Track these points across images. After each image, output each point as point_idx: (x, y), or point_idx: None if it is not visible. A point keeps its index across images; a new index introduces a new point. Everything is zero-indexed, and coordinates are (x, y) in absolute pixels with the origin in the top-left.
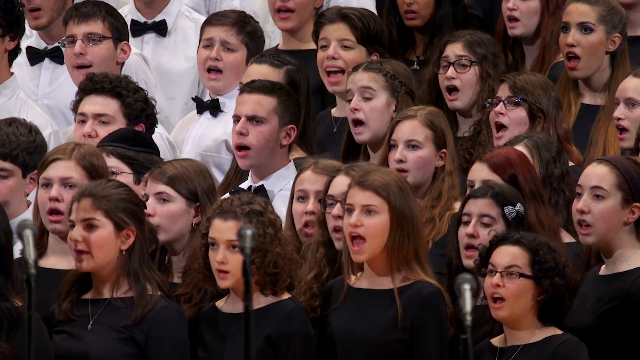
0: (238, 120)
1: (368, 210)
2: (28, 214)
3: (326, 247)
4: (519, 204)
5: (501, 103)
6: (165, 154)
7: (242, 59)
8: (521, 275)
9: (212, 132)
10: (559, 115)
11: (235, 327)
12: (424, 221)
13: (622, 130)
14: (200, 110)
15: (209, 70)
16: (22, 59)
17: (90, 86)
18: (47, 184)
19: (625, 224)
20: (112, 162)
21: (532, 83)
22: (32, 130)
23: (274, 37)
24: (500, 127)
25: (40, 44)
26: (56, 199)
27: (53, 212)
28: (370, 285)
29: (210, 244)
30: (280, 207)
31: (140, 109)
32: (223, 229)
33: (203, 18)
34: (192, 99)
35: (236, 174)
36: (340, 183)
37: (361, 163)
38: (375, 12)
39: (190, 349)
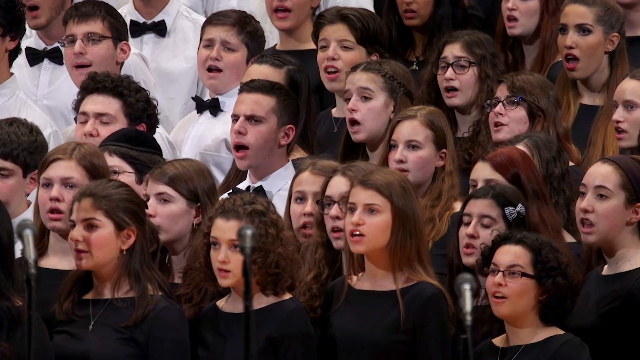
0: (236, 120)
1: (370, 209)
2: (28, 214)
3: (325, 248)
4: (519, 205)
5: (500, 104)
6: (165, 154)
7: (242, 59)
8: (523, 274)
9: (212, 132)
10: (558, 114)
11: (236, 327)
12: (424, 221)
13: (621, 132)
14: (200, 110)
15: (209, 69)
16: (21, 59)
17: (92, 85)
18: (48, 184)
19: (629, 224)
20: (114, 162)
21: (531, 82)
22: (33, 130)
23: (271, 37)
24: (500, 126)
25: (40, 45)
26: (57, 199)
27: (53, 211)
28: (372, 286)
29: (212, 244)
30: (279, 207)
31: (141, 109)
32: (225, 229)
33: (202, 18)
34: (192, 98)
35: (237, 174)
36: (338, 183)
37: (358, 163)
38: (373, 11)
39: (190, 349)
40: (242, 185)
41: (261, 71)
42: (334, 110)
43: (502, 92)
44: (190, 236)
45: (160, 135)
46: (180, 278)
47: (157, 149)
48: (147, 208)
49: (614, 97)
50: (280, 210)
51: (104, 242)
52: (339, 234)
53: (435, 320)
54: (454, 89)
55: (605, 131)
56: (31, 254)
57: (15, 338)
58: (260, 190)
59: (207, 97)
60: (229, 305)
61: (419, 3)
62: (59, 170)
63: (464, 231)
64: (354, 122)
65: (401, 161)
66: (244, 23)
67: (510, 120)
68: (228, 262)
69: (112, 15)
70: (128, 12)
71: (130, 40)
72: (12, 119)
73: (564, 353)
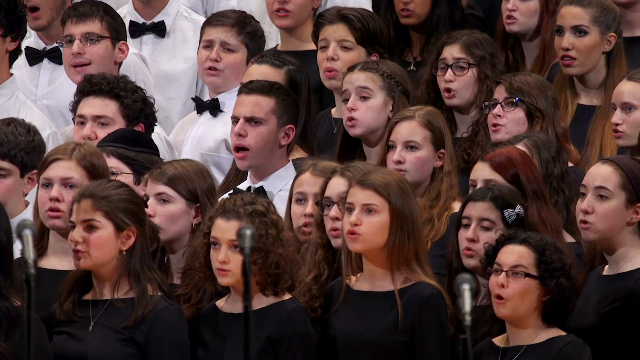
0: (236, 121)
1: (368, 209)
2: (26, 214)
3: (325, 249)
4: (518, 206)
5: (498, 105)
6: (163, 154)
7: (242, 60)
8: (527, 275)
9: (212, 132)
10: (556, 114)
11: (236, 327)
12: (422, 221)
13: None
14: (200, 110)
15: (209, 70)
16: (21, 59)
17: (88, 88)
18: (48, 184)
19: (629, 224)
20: (112, 163)
21: (529, 83)
22: (30, 130)
23: (271, 37)
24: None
25: (39, 45)
26: (56, 199)
27: (52, 209)
28: (370, 287)
29: (212, 244)
30: (279, 207)
31: (139, 109)
32: (225, 229)
33: (202, 19)
34: (192, 98)
35: (237, 174)
36: (337, 184)
37: (357, 163)
38: (372, 11)
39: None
40: (243, 186)
41: (261, 71)
42: (333, 111)
43: (500, 93)
44: (189, 236)
45: (158, 135)
46: (179, 278)
47: (154, 149)
48: (147, 207)
49: (612, 99)
50: (281, 210)
51: (104, 243)
52: (338, 233)
53: (433, 321)
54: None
55: (603, 131)
56: (30, 254)
57: (13, 338)
58: (260, 191)
59: (206, 97)
60: (228, 305)
61: (415, 2)
62: (58, 170)
63: (463, 234)
64: (352, 120)
65: (399, 162)
66: (243, 23)
67: (509, 122)
68: (228, 262)
69: (110, 15)
70: (128, 12)
71: (130, 41)
72: (9, 119)
73: (566, 354)
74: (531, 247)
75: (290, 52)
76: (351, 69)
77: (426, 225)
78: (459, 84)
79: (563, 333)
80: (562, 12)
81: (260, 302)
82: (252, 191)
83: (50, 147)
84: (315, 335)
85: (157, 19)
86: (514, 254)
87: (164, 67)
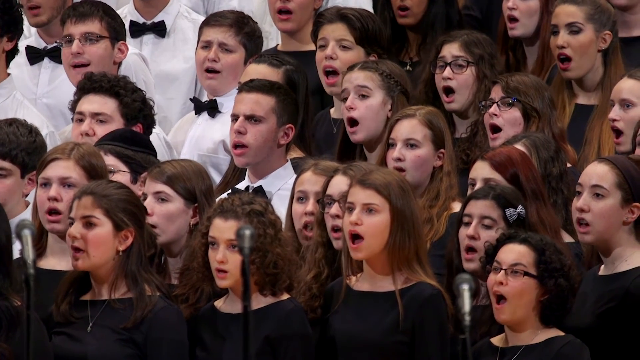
0: (236, 119)
1: (369, 209)
2: (26, 215)
3: (325, 248)
4: (520, 206)
5: (495, 104)
6: (162, 154)
7: (240, 60)
8: (526, 273)
9: (210, 133)
10: (553, 114)
11: (234, 327)
12: (422, 221)
13: (618, 133)
14: (198, 111)
15: (207, 71)
16: (21, 58)
17: (88, 85)
18: (46, 184)
19: (625, 224)
20: (109, 160)
21: (525, 83)
22: (32, 131)
23: (271, 37)
24: (495, 128)
25: (40, 44)
26: (55, 199)
27: (52, 211)
28: (371, 287)
29: (210, 244)
30: (278, 207)
31: (138, 109)
32: (223, 229)
33: (202, 18)
34: (190, 99)
35: (234, 174)
36: (338, 183)
37: (359, 163)
38: (372, 11)
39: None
40: (241, 185)
41: (259, 71)
42: (332, 111)
43: (496, 93)
44: (187, 237)
45: (157, 135)
46: (177, 279)
47: (152, 150)
48: (147, 212)
49: (610, 96)
50: (279, 210)
51: (101, 241)
52: (339, 234)
53: (434, 321)
54: (451, 90)
55: (601, 130)
56: (30, 254)
57: (14, 338)
58: (259, 190)
59: (205, 98)
60: (227, 305)
61: (412, 0)
62: (57, 170)
63: (464, 232)
64: (353, 122)
65: (399, 159)
66: (241, 24)
67: (505, 122)
68: (226, 262)
69: (109, 15)
70: (128, 12)
71: (130, 41)
72: (11, 120)
73: (565, 354)
74: (531, 246)
75: (290, 52)
76: (351, 68)
77: (425, 226)
78: (457, 82)
79: (562, 333)
80: (557, 10)
81: (258, 302)
82: (250, 190)
83: (47, 147)
84: (315, 335)
85: (157, 19)
86: (514, 253)
87: (164, 67)
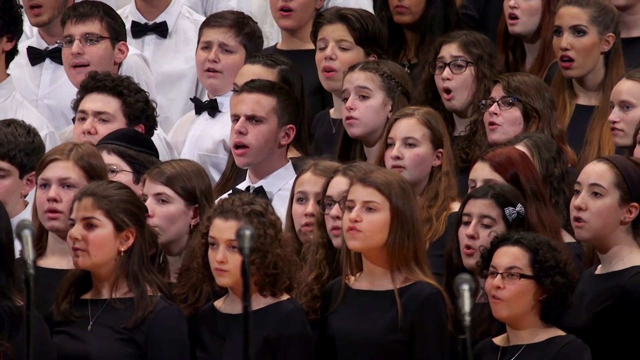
0: (237, 120)
1: (369, 207)
2: (25, 215)
3: (326, 249)
4: (519, 205)
5: (495, 103)
6: (162, 155)
7: (240, 61)
8: (522, 276)
9: (210, 133)
10: (553, 115)
11: (234, 327)
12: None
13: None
14: (198, 111)
15: (208, 71)
16: (23, 59)
17: (91, 84)
18: (46, 185)
19: (622, 223)
20: (112, 160)
21: (526, 83)
22: (30, 132)
23: (271, 37)
24: (493, 125)
25: (41, 45)
26: (54, 199)
27: (51, 211)
28: (370, 286)
29: (210, 244)
30: (279, 207)
31: (140, 109)
32: (223, 229)
33: (204, 19)
34: (191, 99)
35: (232, 173)
36: (339, 183)
37: (359, 163)
38: (372, 12)
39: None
40: (242, 186)
41: (253, 71)
42: (332, 112)
43: (497, 92)
44: (188, 238)
45: (158, 136)
46: (176, 278)
47: (154, 151)
48: (148, 211)
49: (610, 97)
50: (280, 210)
51: (102, 242)
52: (339, 232)
53: (433, 320)
54: (451, 91)
55: (601, 131)
56: (30, 254)
57: (17, 338)
58: (260, 191)
59: (205, 98)
60: (226, 306)
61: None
62: (56, 170)
63: (463, 231)
64: (351, 119)
65: (398, 157)
66: (241, 24)
67: (505, 121)
68: (226, 262)
69: (110, 16)
70: (130, 12)
71: (132, 41)
72: (9, 120)
73: (566, 354)
74: (524, 247)
75: (291, 51)
76: (351, 68)
77: (424, 225)
78: (456, 82)
79: (562, 333)
80: (561, 12)
81: (258, 302)
82: (251, 191)
83: (47, 147)
84: (316, 336)
85: (159, 19)
86: (508, 256)
87: (165, 67)
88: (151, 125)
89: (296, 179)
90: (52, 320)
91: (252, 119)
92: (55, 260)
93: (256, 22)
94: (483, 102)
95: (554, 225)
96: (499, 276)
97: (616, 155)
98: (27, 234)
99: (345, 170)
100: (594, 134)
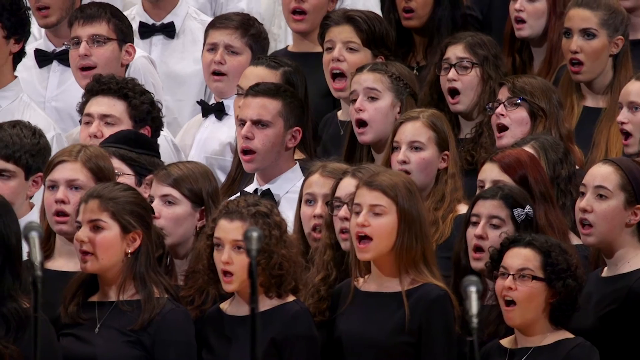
0: (243, 124)
1: (375, 211)
2: (31, 216)
3: (333, 250)
4: (528, 206)
5: (502, 105)
6: (170, 156)
7: (246, 62)
8: (534, 277)
9: (217, 135)
10: (560, 115)
11: (241, 329)
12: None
13: (627, 135)
14: (205, 114)
15: (214, 73)
16: (30, 61)
17: (96, 87)
18: (53, 186)
19: (628, 226)
20: (114, 163)
21: (532, 84)
22: (35, 133)
23: (279, 39)
24: (502, 128)
25: (49, 47)
26: (62, 201)
27: (59, 214)
28: (377, 288)
29: (216, 245)
30: (286, 210)
31: (146, 111)
32: (229, 229)
33: (211, 20)
34: (197, 102)
35: (237, 174)
36: (347, 185)
37: (368, 165)
38: (380, 14)
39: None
40: (250, 189)
41: (257, 73)
42: (339, 113)
43: (503, 94)
44: (194, 240)
45: (165, 138)
46: (183, 280)
47: (156, 152)
48: (154, 213)
49: (619, 98)
50: (287, 213)
51: (109, 244)
52: (348, 235)
53: (440, 322)
54: (457, 91)
55: (609, 133)
56: (37, 256)
57: (23, 340)
58: (267, 194)
59: (212, 100)
60: (232, 307)
61: (417, 2)
62: (64, 172)
63: (472, 232)
64: (361, 123)
65: (404, 162)
66: (247, 26)
67: (512, 122)
68: (231, 263)
69: (117, 17)
70: (137, 13)
71: (140, 42)
72: (15, 122)
73: (575, 356)
74: (537, 249)
75: (302, 53)
76: (360, 69)
77: (431, 228)
78: (462, 83)
79: (571, 335)
80: (571, 14)
81: (264, 304)
82: (259, 194)
83: (54, 149)
84: (323, 337)
85: (166, 20)
86: (519, 257)
87: (173, 68)
88: (157, 126)
89: (304, 180)
90: (59, 323)
91: (258, 123)
92: (63, 263)
93: (262, 24)
94: (489, 105)
95: (562, 227)
96: (510, 277)
97: (622, 157)
98: (34, 235)
99: (354, 171)
100: (601, 136)
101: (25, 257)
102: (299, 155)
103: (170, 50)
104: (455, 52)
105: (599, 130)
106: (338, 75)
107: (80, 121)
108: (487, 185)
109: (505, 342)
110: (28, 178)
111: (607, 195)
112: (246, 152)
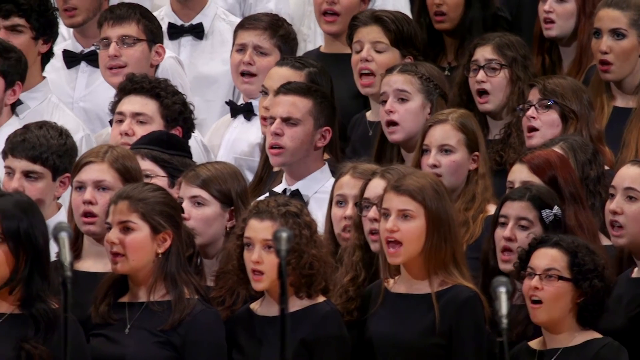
0: (272, 121)
1: (404, 215)
2: (59, 217)
3: (362, 251)
4: (556, 207)
5: (532, 107)
6: (199, 157)
7: (275, 63)
8: (560, 277)
9: (246, 136)
10: (591, 116)
11: (271, 330)
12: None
13: None
14: (234, 114)
15: (242, 74)
16: (58, 62)
17: (129, 86)
18: (81, 187)
19: None
20: (146, 165)
21: (563, 86)
22: (62, 134)
23: (309, 40)
24: (533, 130)
25: (77, 48)
26: (90, 202)
27: (87, 214)
28: (407, 289)
29: (246, 245)
30: (315, 210)
31: (178, 111)
32: (259, 229)
33: (239, 20)
34: (226, 102)
35: (264, 173)
36: (376, 186)
37: (397, 166)
38: (410, 15)
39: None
40: (279, 189)
41: (281, 73)
42: (368, 114)
43: (534, 95)
44: (224, 240)
45: (195, 138)
46: (213, 281)
47: (187, 152)
48: (184, 212)
49: None
50: (316, 213)
51: (140, 245)
52: (377, 237)
53: (470, 324)
54: (485, 92)
55: (639, 133)
56: (67, 256)
57: (52, 340)
58: (296, 194)
59: (240, 101)
60: (263, 308)
61: (449, 5)
62: (91, 173)
63: (500, 233)
64: (392, 124)
65: (435, 166)
66: (276, 26)
67: (543, 124)
68: (262, 263)
69: (147, 18)
70: (166, 14)
71: (168, 43)
72: (41, 123)
73: (603, 356)
74: (564, 249)
75: (333, 54)
76: (389, 71)
77: (461, 228)
78: (491, 85)
79: (599, 335)
80: (600, 14)
81: (294, 304)
82: (287, 194)
83: (83, 149)
84: (351, 338)
85: (195, 21)
86: (546, 258)
87: (202, 69)
88: (188, 127)
89: (335, 182)
90: (89, 323)
91: (287, 120)
92: (91, 264)
93: (291, 24)
94: (521, 106)
95: (592, 228)
96: (536, 277)
97: None
98: (64, 236)
99: (383, 172)
100: (631, 136)
101: (54, 257)
102: (325, 155)
103: (199, 51)
104: (484, 53)
105: (628, 130)
106: (367, 75)
107: (110, 122)
108: (517, 186)
109: (534, 343)
110: (55, 179)
111: (637, 196)
112: (274, 147)
